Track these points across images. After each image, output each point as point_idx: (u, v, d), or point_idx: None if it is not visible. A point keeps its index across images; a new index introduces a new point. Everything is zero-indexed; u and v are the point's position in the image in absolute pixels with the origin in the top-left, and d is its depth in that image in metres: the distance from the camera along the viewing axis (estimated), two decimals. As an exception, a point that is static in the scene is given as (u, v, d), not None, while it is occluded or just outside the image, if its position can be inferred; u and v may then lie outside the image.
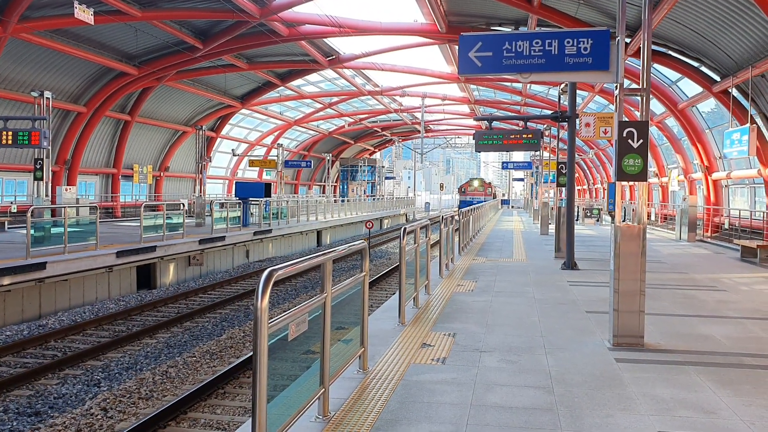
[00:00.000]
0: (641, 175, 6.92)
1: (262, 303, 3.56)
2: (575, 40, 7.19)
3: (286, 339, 4.13)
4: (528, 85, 34.72)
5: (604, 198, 50.02)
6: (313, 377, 4.76)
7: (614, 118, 7.11)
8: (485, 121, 14.05)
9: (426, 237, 10.02)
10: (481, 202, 41.76)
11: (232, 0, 22.41)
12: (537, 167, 38.32)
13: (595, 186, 56.01)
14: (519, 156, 69.63)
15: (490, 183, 64.52)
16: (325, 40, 29.86)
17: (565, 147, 18.94)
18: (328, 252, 4.86)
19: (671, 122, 28.54)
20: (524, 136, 13.31)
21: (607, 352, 6.73)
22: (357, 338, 5.91)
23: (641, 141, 6.89)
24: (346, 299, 5.53)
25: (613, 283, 7.02)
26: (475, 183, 62.77)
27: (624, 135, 6.90)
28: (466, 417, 4.79)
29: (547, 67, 7.25)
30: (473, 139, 13.66)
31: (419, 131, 51.71)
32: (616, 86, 7.14)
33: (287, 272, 3.96)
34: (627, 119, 7.04)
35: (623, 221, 7.30)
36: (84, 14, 19.07)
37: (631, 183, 7.31)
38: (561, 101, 16.57)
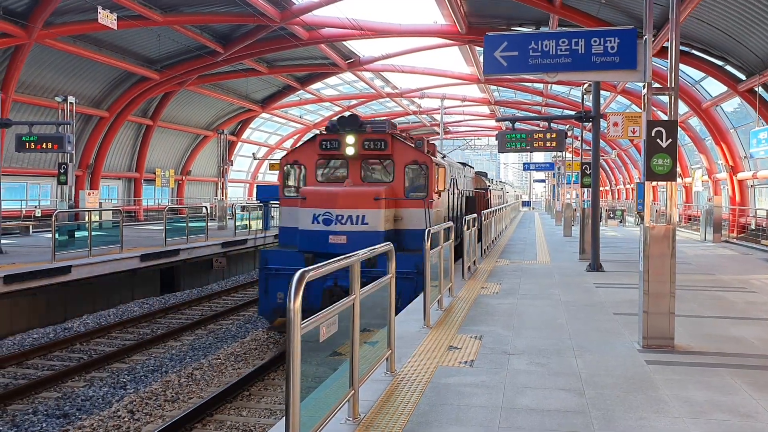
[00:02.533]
0: (670, 175, 6.82)
1: (295, 304, 3.55)
2: (602, 39, 7.11)
3: (317, 340, 4.11)
4: (549, 85, 34.51)
5: (627, 199, 49.59)
6: (342, 379, 4.74)
7: (642, 118, 7.01)
8: (508, 122, 13.95)
9: (449, 239, 9.97)
10: (364, 238, 11.49)
11: (253, 4, 22.50)
12: (559, 168, 38.03)
13: (618, 187, 55.53)
14: (540, 157, 68.21)
15: (444, 160, 16.03)
16: (344, 43, 29.89)
17: (588, 148, 18.79)
18: (356, 253, 4.84)
19: (694, 122, 28.21)
20: (548, 136, 13.21)
21: (637, 354, 6.64)
22: (384, 340, 5.88)
23: (670, 140, 6.80)
24: (372, 301, 5.50)
25: (643, 285, 6.92)
26: (350, 142, 12.63)
27: (653, 134, 6.80)
28: (497, 420, 4.74)
29: (573, 66, 7.18)
30: (496, 140, 13.56)
31: (438, 133, 51.57)
32: (644, 85, 7.05)
33: (317, 274, 3.95)
34: (652, 119, 6.95)
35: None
36: (107, 19, 19.25)
37: (654, 183, 7.21)
38: (584, 101, 16.44)
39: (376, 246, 5.53)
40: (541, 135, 13.47)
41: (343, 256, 4.60)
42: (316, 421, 4.08)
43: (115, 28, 20.04)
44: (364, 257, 4.88)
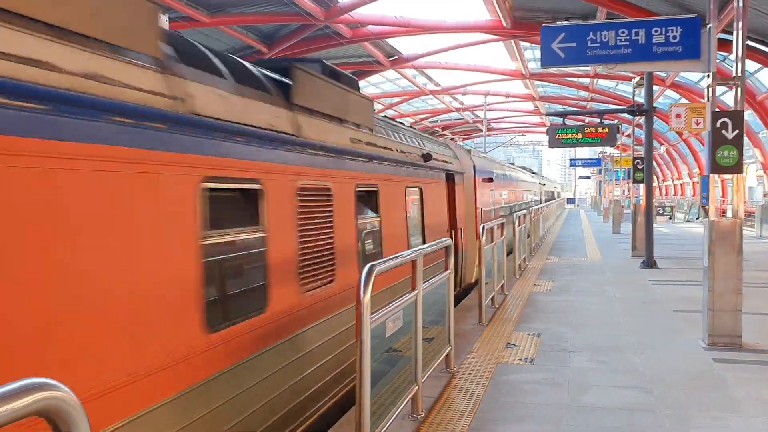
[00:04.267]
0: (737, 167, 6.61)
1: (365, 297, 3.52)
2: (663, 28, 6.93)
3: (383, 335, 4.08)
4: (595, 80, 33.95)
5: (675, 195, 48.51)
6: (405, 374, 4.70)
7: (707, 109, 6.81)
8: (559, 116, 13.77)
9: (502, 236, 9.86)
10: None
11: (298, 3, 22.63)
12: (606, 164, 37.40)
13: (665, 183, 54.35)
14: (585, 153, 66.54)
15: None
16: (387, 40, 29.86)
17: (637, 144, 18.45)
18: (419, 248, 4.79)
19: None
20: (600, 130, 12.98)
21: (702, 352, 6.44)
22: (443, 336, 5.83)
23: (736, 131, 6.59)
24: (432, 297, 5.45)
25: (707, 282, 6.71)
26: None
27: (717, 126, 6.60)
28: (564, 417, 4.64)
29: (633, 57, 7.02)
30: (547, 134, 13.40)
31: (481, 130, 51.27)
32: (708, 75, 6.85)
33: (386, 267, 3.91)
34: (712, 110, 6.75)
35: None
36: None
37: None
38: (635, 95, 16.13)
39: (439, 240, 5.49)
40: (593, 130, 13.25)
41: (407, 251, 4.57)
42: (381, 416, 4.05)
43: (167, 28, 20.40)
44: (427, 252, 4.83)
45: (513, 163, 33.38)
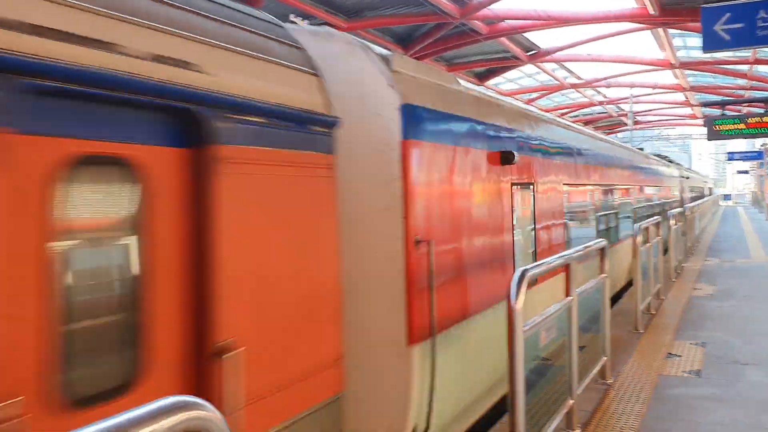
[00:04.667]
0: None
1: (517, 304, 3.28)
2: None
3: (536, 345, 3.82)
4: (754, 66, 31.30)
5: None
6: (557, 386, 4.40)
7: None
8: (717, 107, 12.72)
9: (657, 235, 9.19)
10: None
11: (433, 2, 22.54)
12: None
13: (837, 176, 49.18)
14: (740, 145, 61.29)
15: None
16: (524, 34, 29.11)
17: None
18: (568, 252, 4.47)
19: None
20: (765, 120, 11.82)
21: None
22: (598, 346, 5.44)
23: None
24: (585, 303, 5.08)
25: None
26: None
27: None
28: (742, 441, 4.15)
29: (814, 34, 6.24)
30: (704, 125, 12.40)
31: (626, 124, 48.88)
32: None
33: (538, 272, 3.65)
34: None
35: None
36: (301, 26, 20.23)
37: None
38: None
39: (590, 243, 5.12)
40: (758, 119, 12.08)
41: (558, 255, 4.28)
42: (534, 428, 3.79)
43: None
44: (583, 254, 4.50)
45: (642, 149, 22.52)
